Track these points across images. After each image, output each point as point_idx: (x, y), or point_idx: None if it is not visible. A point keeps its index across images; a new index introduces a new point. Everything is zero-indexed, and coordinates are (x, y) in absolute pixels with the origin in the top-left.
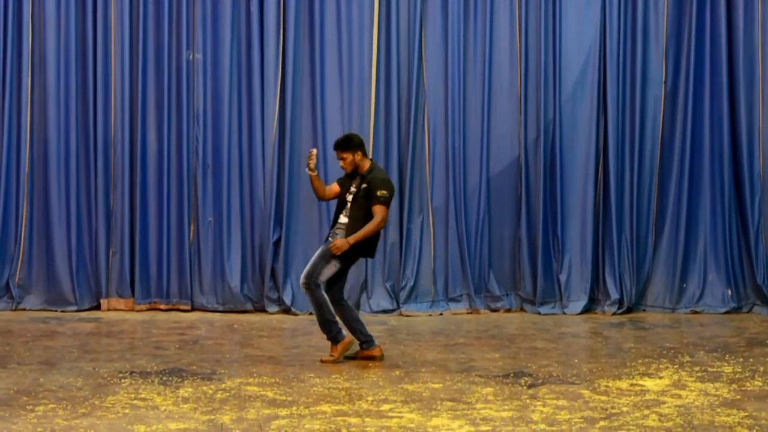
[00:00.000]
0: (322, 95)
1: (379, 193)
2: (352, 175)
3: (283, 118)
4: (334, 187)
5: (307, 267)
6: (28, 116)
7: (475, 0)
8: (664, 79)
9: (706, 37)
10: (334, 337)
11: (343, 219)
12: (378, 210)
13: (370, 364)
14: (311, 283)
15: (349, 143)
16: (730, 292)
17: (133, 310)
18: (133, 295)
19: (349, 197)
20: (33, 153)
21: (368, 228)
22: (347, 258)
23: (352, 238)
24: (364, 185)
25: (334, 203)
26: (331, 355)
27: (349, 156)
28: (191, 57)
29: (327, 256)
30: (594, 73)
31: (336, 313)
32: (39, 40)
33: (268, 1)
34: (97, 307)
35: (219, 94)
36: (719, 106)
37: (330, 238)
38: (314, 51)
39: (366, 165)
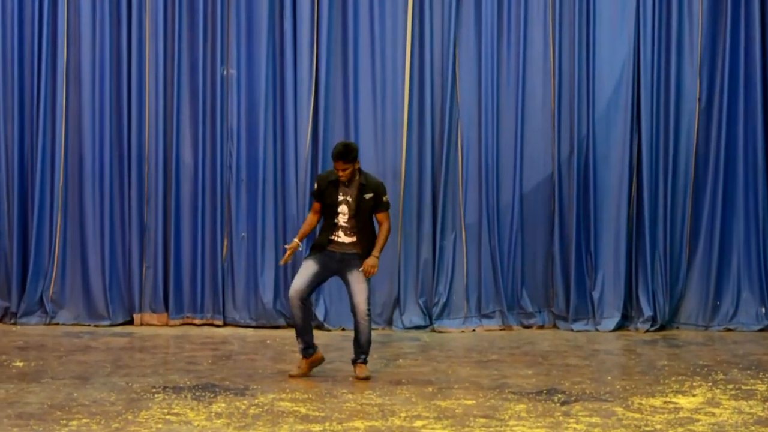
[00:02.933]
0: (355, 111)
1: (384, 198)
2: (336, 183)
3: (316, 133)
4: (317, 206)
5: (362, 295)
6: (62, 131)
7: (508, 17)
8: (698, 95)
9: (740, 52)
10: (365, 360)
11: (347, 237)
12: (386, 216)
13: (403, 380)
14: (370, 308)
15: (351, 153)
16: (764, 309)
17: (166, 325)
18: (166, 310)
19: (345, 209)
20: (67, 168)
21: (384, 237)
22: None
23: (377, 252)
24: (368, 195)
25: None
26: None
27: (350, 166)
28: (226, 72)
29: (367, 279)
30: (628, 89)
31: (305, 315)
32: (74, 55)
33: (301, 17)
34: (131, 322)
35: (253, 109)
36: (753, 121)
37: (335, 252)
38: (347, 67)
39: (358, 173)
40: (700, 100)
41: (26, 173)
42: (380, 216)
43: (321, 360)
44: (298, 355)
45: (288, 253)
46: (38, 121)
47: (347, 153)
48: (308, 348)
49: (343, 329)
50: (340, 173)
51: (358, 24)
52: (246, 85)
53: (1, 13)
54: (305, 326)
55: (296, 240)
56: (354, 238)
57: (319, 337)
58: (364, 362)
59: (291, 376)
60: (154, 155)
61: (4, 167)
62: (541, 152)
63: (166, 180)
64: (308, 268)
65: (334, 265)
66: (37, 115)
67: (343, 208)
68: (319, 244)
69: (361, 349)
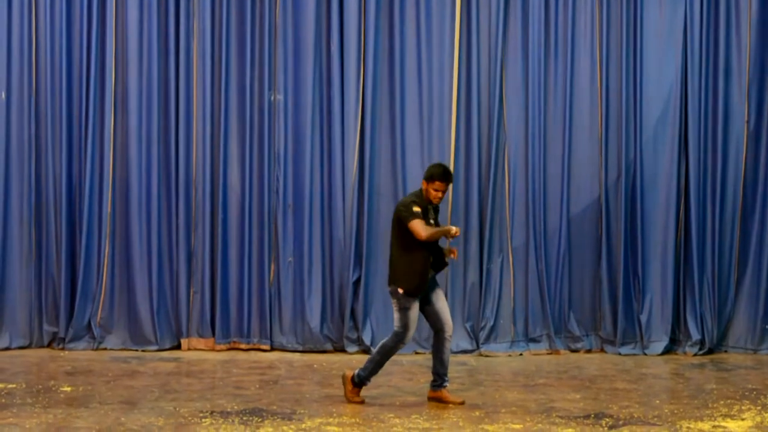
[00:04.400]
0: (402, 135)
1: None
2: (427, 208)
3: (362, 158)
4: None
5: (449, 313)
6: (110, 157)
7: (555, 40)
8: (746, 118)
9: None
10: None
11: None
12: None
13: (450, 405)
14: None
15: (452, 175)
16: None
17: (213, 349)
18: (213, 334)
19: None
20: (115, 193)
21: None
22: None
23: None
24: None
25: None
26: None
27: (447, 188)
28: (273, 98)
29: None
30: (675, 113)
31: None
32: (122, 82)
33: (348, 43)
34: (178, 347)
35: (300, 134)
36: None
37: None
38: (394, 92)
39: None
40: (748, 123)
41: (74, 199)
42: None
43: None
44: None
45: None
46: (86, 149)
47: (449, 174)
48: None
49: None
50: (437, 194)
51: (404, 49)
52: (293, 111)
53: (50, 42)
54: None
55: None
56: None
57: (365, 361)
58: (442, 386)
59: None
60: (202, 181)
61: (53, 194)
62: (589, 176)
63: (213, 205)
64: (416, 313)
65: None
66: (85, 142)
67: None
68: (420, 279)
69: (445, 369)
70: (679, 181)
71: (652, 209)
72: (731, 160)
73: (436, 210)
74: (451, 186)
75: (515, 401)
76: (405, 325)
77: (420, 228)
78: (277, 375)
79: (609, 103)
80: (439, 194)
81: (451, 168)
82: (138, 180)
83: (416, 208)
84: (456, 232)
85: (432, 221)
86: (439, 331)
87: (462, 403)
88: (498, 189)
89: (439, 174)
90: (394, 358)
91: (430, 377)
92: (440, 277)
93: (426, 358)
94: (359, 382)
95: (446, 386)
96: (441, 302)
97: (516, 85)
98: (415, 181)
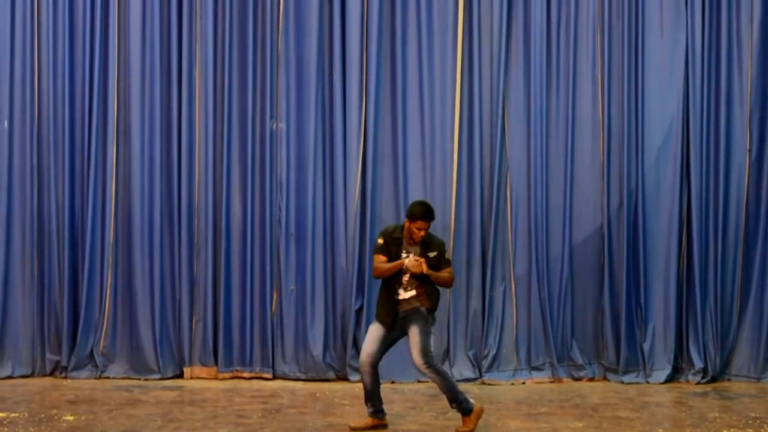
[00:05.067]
0: (405, 165)
1: (447, 256)
2: (399, 241)
3: (365, 186)
4: (382, 259)
5: (416, 349)
6: (113, 185)
7: (557, 68)
8: (748, 146)
9: None
10: (465, 407)
11: (407, 293)
12: (451, 271)
13: None
14: (429, 359)
15: (433, 213)
16: None
17: (216, 378)
18: (216, 363)
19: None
20: (117, 222)
21: (445, 276)
22: (433, 320)
23: (426, 269)
24: (432, 253)
25: None
26: (467, 426)
27: (429, 226)
28: (275, 126)
29: (425, 330)
30: (677, 141)
31: (374, 380)
32: (124, 110)
33: (350, 72)
34: (180, 376)
35: (302, 163)
36: None
37: (397, 312)
38: (396, 121)
39: None
40: (750, 151)
41: (77, 228)
42: (447, 270)
43: (385, 426)
44: (352, 408)
45: (415, 265)
46: (89, 177)
47: (431, 213)
48: (378, 413)
49: (393, 382)
50: (419, 233)
51: (406, 78)
52: (295, 139)
53: (52, 70)
54: (375, 391)
55: (410, 258)
56: (414, 292)
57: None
58: (464, 412)
59: (353, 429)
60: (204, 209)
61: (55, 222)
62: (591, 204)
63: (215, 234)
64: (376, 333)
65: (399, 323)
66: (87, 170)
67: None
68: (383, 310)
69: (448, 399)
70: (681, 209)
71: (655, 237)
72: (733, 188)
73: (429, 246)
74: (452, 211)
75: (518, 430)
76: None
77: (374, 263)
78: (280, 404)
79: (611, 130)
80: (422, 233)
81: (453, 196)
82: (140, 209)
83: (380, 241)
84: (409, 263)
85: (406, 254)
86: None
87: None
88: (500, 217)
89: (421, 213)
90: (395, 386)
91: (432, 406)
92: (442, 305)
93: (428, 387)
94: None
95: (462, 413)
96: (411, 337)
97: (518, 113)
98: None
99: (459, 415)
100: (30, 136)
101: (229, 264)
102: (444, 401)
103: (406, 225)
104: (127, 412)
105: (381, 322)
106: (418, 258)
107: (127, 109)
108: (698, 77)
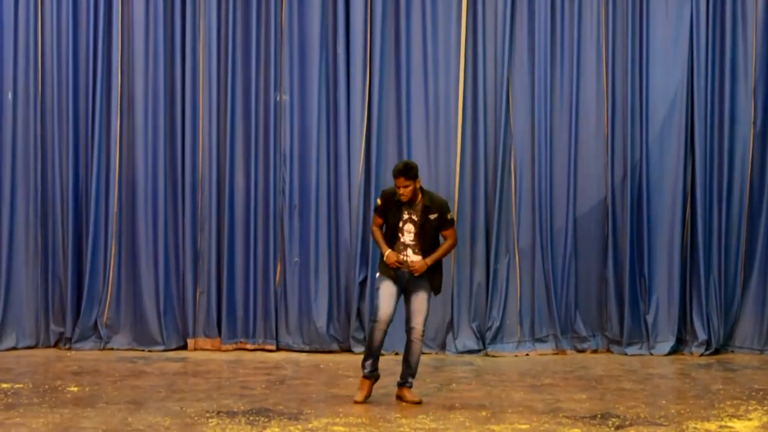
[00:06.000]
0: (408, 136)
1: (449, 216)
2: (399, 203)
3: (369, 159)
4: (378, 221)
5: (420, 317)
6: (117, 158)
7: (561, 41)
8: (753, 119)
9: None
10: (412, 382)
11: (415, 256)
12: (452, 233)
13: (456, 405)
14: (425, 330)
15: (412, 170)
16: None
17: (219, 350)
18: (219, 335)
19: (410, 227)
20: (121, 194)
21: (445, 249)
22: (437, 290)
23: (430, 259)
24: (433, 215)
25: None
26: (416, 397)
27: (411, 184)
28: (279, 99)
29: (430, 299)
30: (681, 113)
31: (383, 339)
32: (128, 83)
33: (354, 43)
34: (184, 347)
35: (306, 135)
36: None
37: (404, 272)
38: (400, 92)
39: (420, 192)
40: (754, 124)
41: (81, 201)
42: (448, 232)
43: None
44: (356, 380)
45: (399, 261)
46: (93, 150)
47: (408, 170)
48: (375, 371)
49: (397, 353)
50: (401, 191)
51: (410, 49)
52: (299, 111)
53: (56, 43)
54: (380, 349)
55: (392, 253)
56: (421, 257)
57: None
58: (411, 386)
59: (357, 402)
60: (208, 182)
61: (59, 194)
62: (595, 176)
63: (219, 206)
64: (389, 290)
65: (404, 284)
66: (91, 143)
67: (408, 227)
68: (381, 263)
69: (410, 370)
70: (686, 182)
71: (659, 209)
72: (737, 161)
73: (430, 208)
74: (456, 184)
75: (522, 401)
76: (375, 305)
77: (372, 224)
78: (284, 375)
79: (615, 103)
80: (400, 190)
81: (457, 169)
82: (144, 181)
83: (378, 201)
84: (386, 258)
85: (414, 217)
86: (406, 332)
87: (419, 402)
88: (504, 190)
89: (398, 171)
90: (400, 357)
91: (436, 377)
92: (445, 276)
93: (433, 359)
94: (366, 375)
95: (407, 386)
96: (416, 304)
97: (522, 86)
98: (422, 182)
99: (463, 385)
100: (34, 107)
101: (233, 236)
102: (446, 373)
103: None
104: (131, 383)
105: (386, 274)
106: (414, 262)
107: (131, 81)
108: (702, 50)
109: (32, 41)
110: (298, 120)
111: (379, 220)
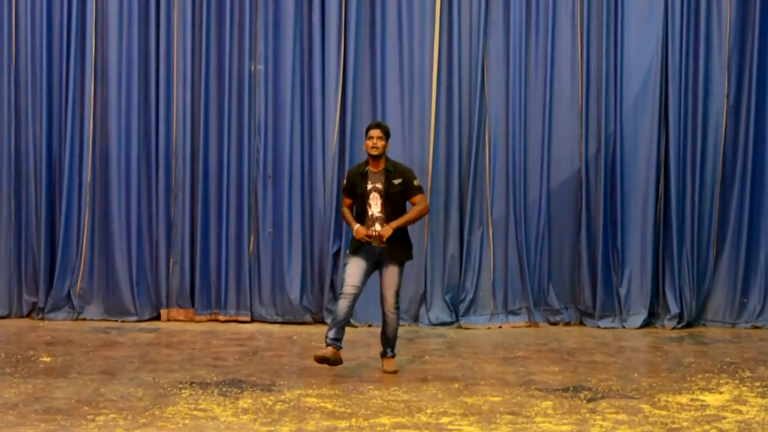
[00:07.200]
0: (383, 106)
1: (416, 182)
2: (363, 175)
3: (343, 129)
4: (348, 203)
5: (391, 289)
6: (90, 126)
7: (536, 13)
8: (726, 93)
9: None
10: (394, 353)
11: (381, 230)
12: (421, 199)
13: (429, 377)
14: (399, 302)
15: (387, 127)
16: None
17: (192, 320)
18: (192, 305)
19: (376, 196)
20: (95, 163)
21: (413, 214)
22: (406, 261)
23: (395, 222)
24: (397, 180)
25: None
26: (394, 366)
27: (383, 139)
28: (253, 68)
29: (401, 272)
30: (656, 86)
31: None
32: (102, 51)
33: (329, 13)
34: (157, 318)
35: (280, 105)
36: None
37: (375, 247)
38: (375, 63)
39: (384, 159)
40: (728, 97)
41: (54, 170)
42: (416, 198)
43: (340, 361)
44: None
45: (369, 235)
46: (66, 119)
47: (381, 123)
48: (337, 341)
49: (370, 326)
50: (374, 141)
51: (385, 20)
52: (273, 81)
53: (30, 12)
54: (346, 321)
55: (361, 228)
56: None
57: (346, 333)
58: (393, 356)
59: (317, 355)
60: (182, 151)
61: (33, 164)
62: (569, 149)
63: (193, 176)
64: (358, 265)
65: (376, 258)
66: (65, 112)
67: (374, 196)
68: (360, 240)
69: (389, 342)
70: (659, 154)
71: (632, 182)
72: (711, 135)
73: (392, 174)
74: (430, 156)
75: (494, 374)
76: (342, 279)
77: (343, 203)
78: (257, 346)
79: (589, 77)
80: (373, 141)
81: (431, 140)
82: (117, 149)
83: (344, 182)
84: (356, 233)
85: (378, 185)
86: (381, 305)
87: (394, 372)
88: (479, 161)
89: (370, 125)
90: (373, 329)
91: (409, 349)
92: (418, 249)
93: (406, 330)
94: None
95: (389, 356)
96: (387, 277)
97: (497, 58)
98: (395, 153)
99: (436, 357)
100: (7, 75)
101: (207, 206)
102: (419, 345)
103: (365, 147)
104: (103, 353)
105: (356, 252)
106: (373, 230)
107: (105, 49)
108: (677, 22)
109: (5, 9)
110: (272, 90)
111: (348, 201)
